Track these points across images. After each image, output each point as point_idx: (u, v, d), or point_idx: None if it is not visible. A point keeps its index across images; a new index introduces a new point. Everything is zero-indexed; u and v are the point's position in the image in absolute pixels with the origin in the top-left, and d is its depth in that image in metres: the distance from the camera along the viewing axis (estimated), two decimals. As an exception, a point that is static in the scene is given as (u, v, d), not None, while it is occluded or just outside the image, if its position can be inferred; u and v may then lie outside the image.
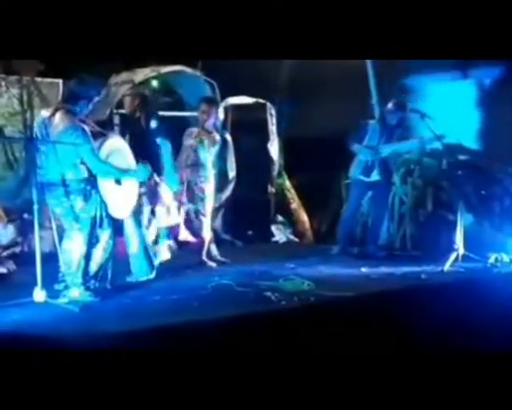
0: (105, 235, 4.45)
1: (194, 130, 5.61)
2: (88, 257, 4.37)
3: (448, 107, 7.43)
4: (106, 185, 4.42)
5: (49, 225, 4.70)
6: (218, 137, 5.64)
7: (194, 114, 6.15)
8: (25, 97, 6.12)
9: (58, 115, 4.24)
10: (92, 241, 4.39)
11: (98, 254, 4.45)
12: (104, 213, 4.41)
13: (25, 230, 5.60)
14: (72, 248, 4.33)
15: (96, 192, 4.33)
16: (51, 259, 4.36)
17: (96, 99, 4.62)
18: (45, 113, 4.35)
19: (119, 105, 6.10)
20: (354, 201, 6.28)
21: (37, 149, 4.20)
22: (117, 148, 4.58)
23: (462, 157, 6.84)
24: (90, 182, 4.30)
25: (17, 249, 5.58)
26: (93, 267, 4.44)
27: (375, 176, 6.09)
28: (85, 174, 4.26)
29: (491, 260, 5.70)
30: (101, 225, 4.40)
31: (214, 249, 5.79)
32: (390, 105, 6.08)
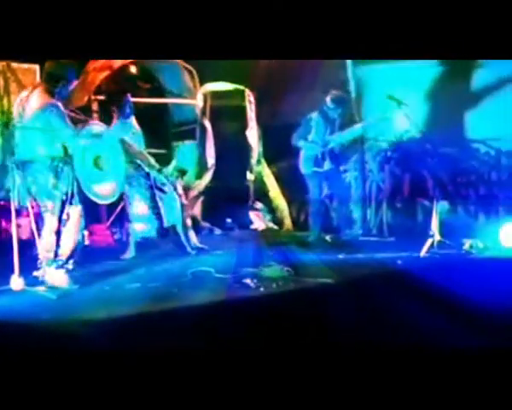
0: (75, 211, 4.40)
1: None
2: (59, 234, 4.34)
3: (424, 95, 7.51)
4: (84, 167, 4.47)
5: (26, 213, 4.67)
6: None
7: (177, 100, 6.14)
8: (1, 83, 6.04)
9: (36, 94, 4.29)
10: (63, 218, 4.37)
11: (70, 231, 4.40)
12: (76, 190, 4.40)
13: (1, 217, 5.56)
14: (47, 229, 4.33)
15: (68, 169, 4.34)
16: (28, 246, 4.33)
17: (75, 84, 4.61)
18: (25, 92, 4.40)
19: (97, 91, 6.06)
20: (316, 191, 6.34)
21: (14, 128, 4.25)
22: (97, 133, 4.61)
23: (437, 145, 6.93)
24: (62, 159, 4.32)
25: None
26: (66, 247, 4.38)
27: (327, 165, 6.20)
28: (58, 152, 4.29)
29: (466, 246, 5.78)
30: (71, 202, 4.39)
31: (193, 236, 5.80)
32: (328, 100, 6.19)
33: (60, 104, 4.32)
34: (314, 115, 6.26)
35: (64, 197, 4.35)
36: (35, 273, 4.35)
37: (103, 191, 4.74)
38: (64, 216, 4.38)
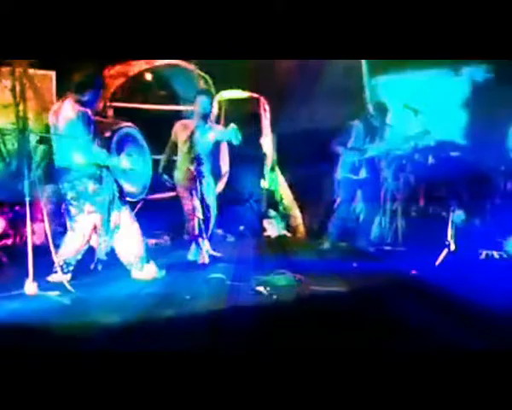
0: (125, 214, 4.74)
1: (189, 122, 5.59)
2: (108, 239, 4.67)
3: (441, 104, 7.47)
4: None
5: (41, 218, 4.70)
6: (217, 129, 5.67)
7: (190, 108, 6.15)
8: (17, 89, 6.10)
9: (67, 104, 4.46)
10: (109, 222, 4.66)
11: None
12: (117, 195, 4.69)
13: (17, 222, 5.59)
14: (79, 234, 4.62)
15: (107, 175, 4.62)
16: (43, 251, 4.36)
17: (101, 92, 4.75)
18: (57, 104, 4.62)
19: (113, 98, 6.10)
20: (345, 198, 6.35)
21: (49, 139, 4.57)
22: (132, 135, 4.97)
23: (454, 154, 6.89)
24: (100, 166, 4.58)
25: (8, 242, 5.57)
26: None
27: (363, 174, 6.19)
28: (96, 158, 4.54)
29: (482, 256, 5.74)
30: (113, 206, 4.67)
31: (206, 243, 5.79)
32: (371, 109, 6.19)
33: (90, 112, 4.49)
34: (355, 122, 6.25)
35: (107, 203, 4.62)
36: (49, 278, 4.39)
37: (132, 189, 5.01)
38: (115, 220, 4.69)
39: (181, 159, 5.53)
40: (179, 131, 5.54)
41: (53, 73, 6.34)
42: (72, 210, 4.62)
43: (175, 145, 5.55)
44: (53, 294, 4.14)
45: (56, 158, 4.59)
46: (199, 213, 5.43)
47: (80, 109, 4.44)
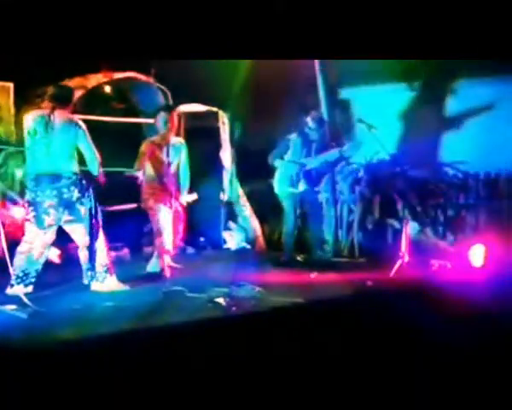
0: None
1: (156, 139, 5.64)
2: (92, 248, 4.73)
3: (394, 118, 7.68)
4: None
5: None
6: (183, 141, 5.77)
7: (150, 121, 6.17)
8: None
9: (58, 113, 4.59)
10: (93, 232, 4.72)
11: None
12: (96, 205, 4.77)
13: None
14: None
15: (89, 186, 4.72)
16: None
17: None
18: (40, 111, 4.63)
19: (73, 110, 6.05)
20: (290, 211, 6.39)
21: (37, 142, 4.54)
22: None
23: (407, 167, 7.08)
24: (83, 175, 4.70)
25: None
26: (104, 256, 4.86)
27: (302, 186, 6.26)
28: (77, 168, 4.67)
29: (435, 267, 5.89)
30: (96, 217, 4.74)
31: (166, 256, 5.80)
32: (310, 121, 6.25)
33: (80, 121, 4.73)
34: (293, 136, 6.32)
35: (89, 213, 4.71)
36: (8, 291, 4.35)
37: None
38: (93, 230, 4.76)
39: (152, 174, 5.56)
40: (150, 149, 5.57)
41: (11, 85, 6.26)
42: (47, 219, 4.59)
43: (143, 162, 5.56)
44: (9, 308, 4.09)
45: (38, 165, 4.57)
46: (169, 228, 5.48)
47: (72, 117, 4.69)
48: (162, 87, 7.18)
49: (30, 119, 4.64)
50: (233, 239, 7.51)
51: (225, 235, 7.56)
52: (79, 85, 6.29)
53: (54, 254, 5.32)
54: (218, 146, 7.51)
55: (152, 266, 5.59)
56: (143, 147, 5.57)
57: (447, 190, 7.22)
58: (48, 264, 4.79)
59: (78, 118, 4.78)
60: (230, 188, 7.59)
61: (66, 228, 4.74)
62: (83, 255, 4.80)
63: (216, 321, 4.06)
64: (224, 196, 7.54)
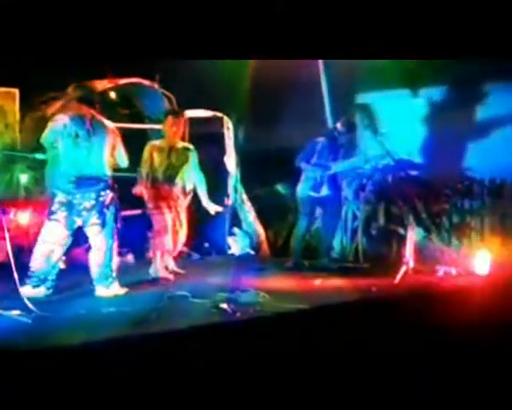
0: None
1: (160, 143, 5.65)
2: (107, 253, 4.79)
3: (399, 124, 7.65)
4: None
5: (1, 235, 4.65)
6: (190, 146, 5.77)
7: (155, 126, 6.18)
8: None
9: (97, 116, 4.78)
10: (112, 237, 4.83)
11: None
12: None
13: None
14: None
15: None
16: (4, 270, 4.30)
17: (54, 108, 4.76)
18: (78, 113, 4.72)
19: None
20: (306, 215, 6.39)
21: (78, 144, 4.63)
22: None
23: (412, 172, 7.06)
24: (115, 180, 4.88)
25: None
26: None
27: (324, 191, 6.25)
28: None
29: (440, 273, 5.87)
30: (117, 222, 4.85)
31: (170, 261, 5.81)
32: (340, 126, 6.26)
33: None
34: (320, 139, 6.32)
35: (113, 217, 4.83)
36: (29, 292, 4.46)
37: None
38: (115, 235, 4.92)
39: (156, 178, 5.57)
40: (154, 152, 5.59)
41: (16, 91, 6.28)
42: (77, 221, 4.69)
43: (148, 165, 5.58)
44: (14, 313, 4.08)
45: (81, 166, 4.65)
46: (169, 230, 5.49)
47: (109, 123, 4.88)
48: (167, 92, 7.19)
49: (67, 120, 4.67)
50: (237, 245, 7.50)
51: (230, 240, 7.55)
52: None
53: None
54: (223, 151, 7.51)
55: (156, 271, 5.59)
56: (147, 149, 5.59)
57: (452, 196, 7.20)
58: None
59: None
60: (235, 193, 7.59)
61: (88, 230, 4.79)
62: (95, 259, 4.81)
63: (220, 327, 4.05)
64: (229, 202, 7.54)
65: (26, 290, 4.50)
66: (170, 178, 5.58)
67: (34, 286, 4.62)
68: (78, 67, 6.09)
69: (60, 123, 4.67)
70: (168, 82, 7.20)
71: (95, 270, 4.82)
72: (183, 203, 5.74)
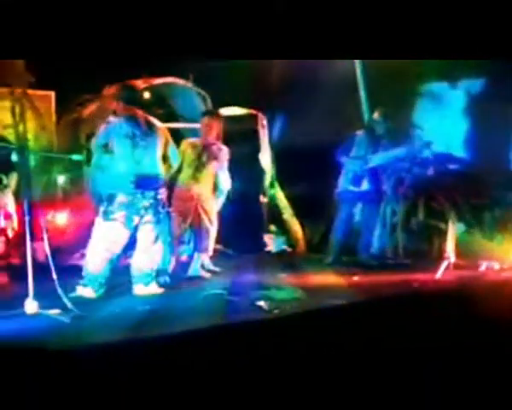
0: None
1: (195, 141, 5.67)
2: (154, 252, 4.89)
3: (438, 116, 7.51)
4: None
5: (41, 236, 4.70)
6: (224, 148, 5.74)
7: (190, 125, 6.20)
8: (17, 110, 6.11)
9: (150, 118, 4.89)
10: (159, 236, 4.90)
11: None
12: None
13: (17, 242, 5.59)
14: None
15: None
16: (43, 270, 4.35)
17: (90, 110, 4.81)
18: (133, 113, 4.78)
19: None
20: (346, 210, 6.32)
21: (137, 144, 4.71)
22: None
23: (452, 166, 6.90)
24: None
25: (9, 261, 5.57)
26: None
27: (364, 185, 6.14)
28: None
29: (483, 267, 5.73)
30: (165, 222, 5.00)
31: (207, 259, 5.80)
32: (377, 115, 6.16)
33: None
34: (359, 132, 6.24)
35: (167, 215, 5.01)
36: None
37: None
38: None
39: (186, 175, 5.57)
40: (188, 148, 5.59)
41: (52, 93, 6.38)
42: (135, 219, 4.75)
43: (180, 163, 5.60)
44: (53, 312, 4.12)
45: (140, 166, 4.73)
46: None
47: (160, 123, 5.00)
48: (200, 91, 7.20)
49: (122, 121, 4.74)
50: (273, 242, 7.46)
51: (266, 238, 7.51)
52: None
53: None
54: (258, 149, 7.48)
55: (193, 270, 5.58)
56: (181, 146, 5.60)
57: (494, 189, 7.02)
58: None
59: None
60: (271, 190, 7.55)
61: (141, 229, 4.83)
62: (141, 258, 4.84)
63: (258, 324, 4.01)
64: (265, 199, 7.50)
65: (85, 292, 4.63)
66: (198, 177, 5.54)
67: (95, 290, 4.68)
68: (112, 69, 6.15)
69: (114, 124, 4.74)
70: (202, 81, 7.20)
71: (138, 268, 4.84)
72: (213, 202, 5.69)
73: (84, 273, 4.72)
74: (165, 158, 4.96)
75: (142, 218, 4.78)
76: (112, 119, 4.79)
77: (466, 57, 5.90)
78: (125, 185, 4.70)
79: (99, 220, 4.76)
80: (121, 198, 4.71)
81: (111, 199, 4.73)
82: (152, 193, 4.77)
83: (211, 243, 5.74)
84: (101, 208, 4.77)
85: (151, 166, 4.78)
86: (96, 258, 4.70)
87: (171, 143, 5.01)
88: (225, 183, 5.81)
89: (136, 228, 4.81)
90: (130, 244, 4.87)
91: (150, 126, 4.82)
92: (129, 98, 4.84)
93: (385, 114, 6.14)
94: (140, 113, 4.82)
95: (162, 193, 4.86)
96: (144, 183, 4.73)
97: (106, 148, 4.74)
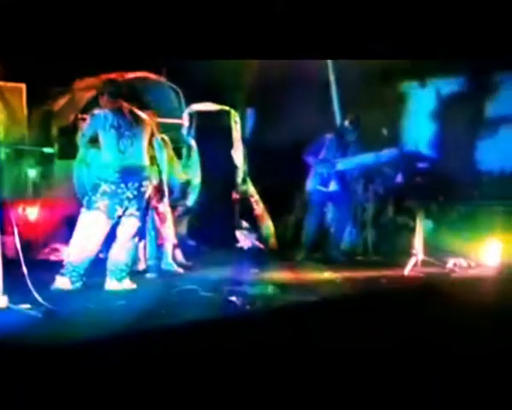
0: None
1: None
2: (131, 246, 4.92)
3: (407, 115, 7.62)
4: None
5: (11, 231, 4.65)
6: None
7: (163, 120, 6.18)
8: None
9: (135, 110, 4.88)
10: (140, 230, 4.94)
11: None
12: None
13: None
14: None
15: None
16: (13, 264, 4.30)
17: (61, 103, 4.76)
18: (117, 105, 4.76)
19: (84, 110, 6.07)
20: (316, 208, 6.40)
21: (122, 135, 4.69)
22: None
23: (420, 165, 7.02)
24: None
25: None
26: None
27: (332, 186, 6.25)
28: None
29: (450, 264, 5.85)
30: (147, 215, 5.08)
31: (179, 255, 5.80)
32: (347, 123, 6.25)
33: None
34: (329, 135, 6.32)
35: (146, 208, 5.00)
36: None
37: None
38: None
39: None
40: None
41: (23, 86, 6.28)
42: (118, 209, 4.72)
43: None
44: (24, 307, 4.09)
45: (125, 157, 4.71)
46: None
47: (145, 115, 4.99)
48: (174, 86, 7.18)
49: (107, 112, 4.73)
50: (245, 238, 7.49)
51: (238, 234, 7.53)
52: (92, 85, 6.31)
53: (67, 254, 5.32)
54: (230, 145, 7.48)
55: (165, 264, 5.58)
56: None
57: (461, 187, 7.17)
58: (59, 263, 4.81)
59: None
60: (243, 186, 7.56)
61: (123, 221, 4.82)
62: (118, 251, 4.83)
63: (230, 320, 4.04)
64: (237, 195, 7.52)
65: (62, 283, 4.65)
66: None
67: (73, 282, 4.67)
68: (85, 62, 6.09)
69: (99, 116, 4.74)
70: (175, 75, 7.18)
71: (114, 262, 4.82)
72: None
73: (64, 263, 4.73)
74: (150, 150, 4.99)
75: (127, 210, 4.77)
76: (96, 111, 4.80)
77: (436, 57, 6.02)
78: (109, 175, 4.71)
79: (83, 210, 4.78)
80: (105, 188, 4.71)
81: (95, 189, 4.75)
82: (136, 184, 4.76)
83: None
84: (86, 198, 4.80)
85: (136, 157, 4.78)
86: (76, 248, 4.70)
87: (157, 135, 5.03)
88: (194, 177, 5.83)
89: (119, 220, 4.80)
90: (111, 238, 4.86)
91: (135, 118, 4.83)
92: (113, 92, 4.84)
93: (355, 123, 6.26)
94: (125, 104, 4.83)
95: (145, 186, 4.84)
96: (128, 173, 4.73)
97: (92, 141, 4.79)
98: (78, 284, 4.70)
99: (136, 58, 6.13)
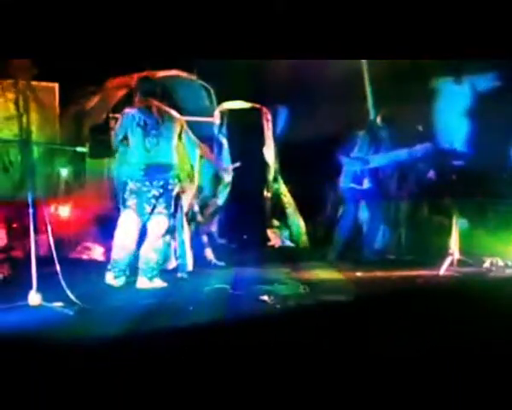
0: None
1: None
2: (163, 244, 4.97)
3: (442, 112, 7.48)
4: None
5: (44, 229, 4.70)
6: None
7: (194, 119, 6.19)
8: (20, 101, 6.11)
9: (165, 108, 4.93)
10: (169, 229, 4.98)
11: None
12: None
13: (20, 234, 5.58)
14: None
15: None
16: (46, 262, 4.34)
17: (93, 102, 4.81)
18: (145, 105, 4.83)
19: (116, 109, 6.11)
20: (350, 207, 6.34)
21: (148, 133, 4.74)
22: None
23: (455, 162, 6.87)
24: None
25: (12, 254, 5.56)
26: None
27: (366, 184, 6.17)
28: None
29: (486, 264, 5.72)
30: (176, 215, 5.09)
31: (210, 253, 5.79)
32: (379, 120, 6.19)
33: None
34: (361, 132, 6.26)
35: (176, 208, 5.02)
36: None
37: None
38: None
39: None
40: None
41: (56, 85, 6.35)
42: (147, 208, 4.79)
43: None
44: (57, 305, 4.12)
45: (151, 155, 4.76)
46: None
47: (176, 113, 5.03)
48: (205, 85, 7.17)
49: (135, 112, 4.80)
50: (277, 237, 7.45)
51: (269, 232, 7.50)
52: (124, 84, 6.34)
53: (99, 252, 5.38)
54: (262, 143, 7.45)
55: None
56: None
57: (498, 185, 7.00)
58: (91, 261, 4.85)
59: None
60: (274, 185, 7.53)
61: (152, 219, 4.87)
62: (149, 250, 4.86)
63: (260, 319, 4.01)
64: (268, 194, 7.49)
65: (109, 279, 4.78)
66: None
67: (115, 277, 4.79)
68: (118, 61, 6.13)
69: (129, 115, 4.81)
70: (206, 73, 7.18)
71: (145, 260, 4.84)
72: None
73: (111, 260, 4.87)
74: (180, 147, 5.00)
75: (155, 208, 4.81)
76: (126, 110, 4.88)
77: (471, 57, 5.89)
78: (134, 173, 4.78)
79: (121, 208, 4.90)
80: (131, 186, 4.80)
81: (124, 187, 4.85)
82: (161, 182, 4.78)
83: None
84: (120, 197, 4.92)
85: (162, 156, 4.80)
86: (116, 245, 4.82)
87: (188, 133, 5.03)
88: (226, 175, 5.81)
89: (149, 218, 4.83)
90: (143, 236, 4.90)
91: (163, 116, 4.84)
92: (146, 90, 4.90)
93: (388, 120, 6.19)
94: (154, 102, 4.86)
95: (173, 184, 4.87)
96: (154, 171, 4.76)
97: (122, 141, 4.86)
98: (121, 280, 4.80)
99: (167, 57, 6.13)
